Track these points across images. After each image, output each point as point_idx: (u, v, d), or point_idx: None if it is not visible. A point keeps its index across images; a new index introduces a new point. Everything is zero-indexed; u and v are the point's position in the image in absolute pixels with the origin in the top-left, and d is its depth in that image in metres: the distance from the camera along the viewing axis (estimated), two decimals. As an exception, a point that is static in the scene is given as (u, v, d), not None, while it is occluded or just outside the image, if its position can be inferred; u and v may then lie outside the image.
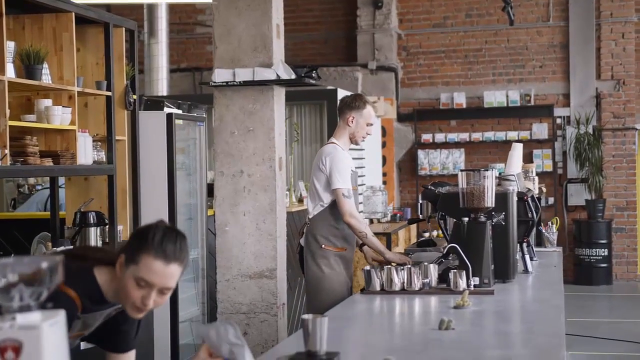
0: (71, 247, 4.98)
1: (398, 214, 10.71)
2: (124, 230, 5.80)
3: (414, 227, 10.86)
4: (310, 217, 5.30)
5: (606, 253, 12.13)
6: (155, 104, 6.48)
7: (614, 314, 10.57)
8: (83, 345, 4.64)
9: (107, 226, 5.57)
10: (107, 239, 5.59)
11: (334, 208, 5.15)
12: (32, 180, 8.66)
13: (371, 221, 10.11)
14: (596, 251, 12.10)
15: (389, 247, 8.71)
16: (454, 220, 4.51)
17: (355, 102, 5.25)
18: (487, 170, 4.37)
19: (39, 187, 8.26)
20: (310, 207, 5.31)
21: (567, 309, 9.11)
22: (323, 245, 5.19)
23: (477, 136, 12.68)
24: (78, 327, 2.71)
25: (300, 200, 8.58)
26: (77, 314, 2.63)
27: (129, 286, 2.59)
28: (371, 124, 5.28)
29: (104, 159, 5.55)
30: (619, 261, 12.46)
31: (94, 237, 5.39)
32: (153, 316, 5.80)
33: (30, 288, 1.73)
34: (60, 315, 1.73)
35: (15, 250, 6.10)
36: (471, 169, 4.66)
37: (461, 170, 4.42)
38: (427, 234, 10.16)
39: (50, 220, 5.59)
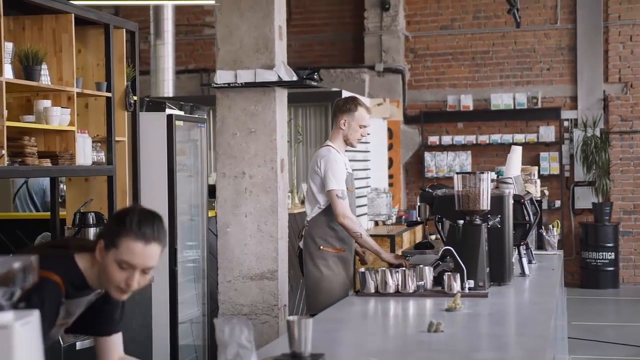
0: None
1: (404, 216, 10.70)
2: (123, 231, 5.81)
3: (419, 229, 10.85)
4: (308, 219, 5.35)
5: (613, 256, 12.09)
6: (157, 105, 6.50)
7: (620, 317, 10.53)
8: (79, 345, 4.69)
9: (106, 227, 5.59)
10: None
11: (331, 210, 5.20)
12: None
13: (376, 223, 10.11)
14: (603, 254, 12.06)
15: (392, 249, 8.71)
16: (450, 222, 4.51)
17: (347, 104, 5.31)
18: (483, 173, 4.36)
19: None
20: (308, 209, 5.37)
21: (572, 313, 9.15)
22: (321, 247, 5.24)
23: (484, 139, 12.66)
24: (62, 315, 2.76)
25: (303, 202, 8.59)
26: (62, 299, 2.69)
27: (111, 269, 2.66)
28: (364, 126, 5.32)
29: (104, 160, 5.57)
30: (625, 265, 12.42)
31: (93, 237, 5.41)
32: (152, 317, 5.82)
33: (2, 288, 1.74)
34: (34, 315, 1.74)
35: (18, 250, 6.13)
36: (467, 171, 4.66)
37: (457, 173, 4.42)
38: (433, 237, 10.14)
39: (50, 221, 5.61)
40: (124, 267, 2.65)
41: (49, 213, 5.85)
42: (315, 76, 5.75)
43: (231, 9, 5.65)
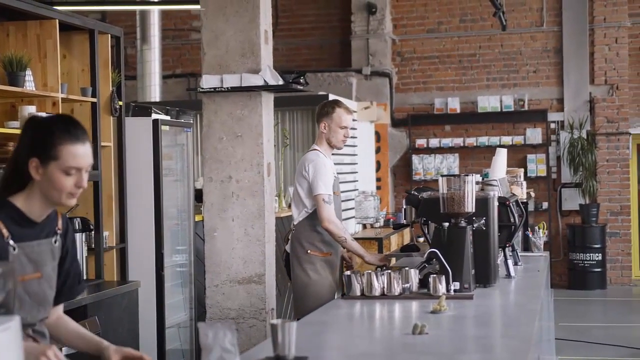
0: None
1: (391, 219, 10.71)
2: (109, 237, 5.82)
3: (407, 232, 10.87)
4: (295, 223, 5.37)
5: (600, 258, 12.14)
6: (143, 110, 6.50)
7: (607, 318, 10.57)
8: (65, 350, 4.67)
9: (92, 232, 5.59)
10: (92, 245, 5.60)
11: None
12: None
13: (364, 226, 10.12)
14: (590, 256, 12.11)
15: (380, 252, 8.73)
16: (435, 225, 4.52)
17: (324, 108, 5.38)
18: (468, 175, 4.38)
19: None
20: (295, 213, 5.39)
21: (560, 314, 9.17)
22: (309, 251, 5.27)
23: (471, 141, 12.70)
24: (29, 268, 2.72)
25: (290, 206, 8.59)
26: (7, 240, 2.67)
27: (59, 180, 2.68)
28: (345, 127, 5.35)
29: (90, 165, 5.56)
30: (613, 266, 12.47)
31: (80, 243, 5.40)
32: (139, 321, 5.81)
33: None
34: (14, 321, 1.74)
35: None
36: (452, 174, 4.68)
37: (442, 176, 4.43)
38: (421, 239, 10.15)
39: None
40: (71, 173, 2.69)
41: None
42: (301, 80, 5.76)
43: (217, 14, 5.65)
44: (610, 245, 12.43)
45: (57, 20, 5.21)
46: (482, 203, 4.50)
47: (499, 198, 4.86)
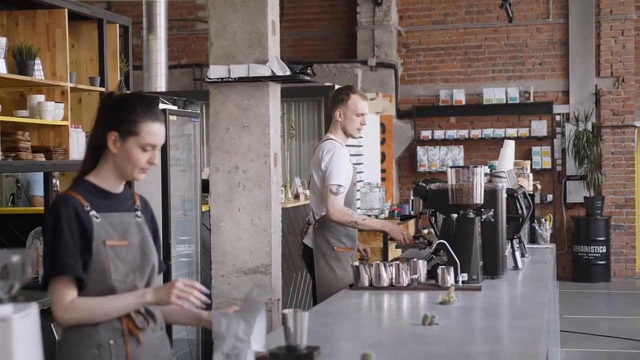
0: None
1: (396, 211, 10.71)
2: (117, 226, 5.81)
3: (412, 223, 10.87)
4: (317, 217, 5.26)
5: (604, 250, 12.15)
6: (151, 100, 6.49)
7: (611, 311, 10.58)
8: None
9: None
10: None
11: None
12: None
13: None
14: (594, 248, 12.12)
15: (385, 243, 8.72)
16: (443, 216, 4.52)
17: (339, 95, 5.25)
18: (476, 167, 4.38)
19: None
20: (314, 208, 5.27)
21: (564, 306, 9.18)
22: (335, 247, 5.17)
23: (476, 133, 12.70)
24: (115, 236, 2.78)
25: (297, 197, 8.61)
26: (86, 208, 2.75)
27: (135, 155, 2.80)
28: (361, 114, 5.23)
29: (98, 155, 5.57)
30: (617, 258, 12.47)
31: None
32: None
33: (1, 281, 1.75)
34: (33, 308, 1.75)
35: (12, 245, 6.12)
36: (460, 165, 4.68)
37: (450, 167, 4.43)
38: (425, 231, 10.15)
39: (43, 216, 5.61)
40: (147, 149, 2.80)
41: (42, 208, 5.85)
42: (308, 71, 5.75)
43: (225, 4, 5.65)
44: (614, 237, 12.43)
45: (66, 10, 5.21)
46: (491, 195, 4.50)
47: (507, 190, 4.86)
